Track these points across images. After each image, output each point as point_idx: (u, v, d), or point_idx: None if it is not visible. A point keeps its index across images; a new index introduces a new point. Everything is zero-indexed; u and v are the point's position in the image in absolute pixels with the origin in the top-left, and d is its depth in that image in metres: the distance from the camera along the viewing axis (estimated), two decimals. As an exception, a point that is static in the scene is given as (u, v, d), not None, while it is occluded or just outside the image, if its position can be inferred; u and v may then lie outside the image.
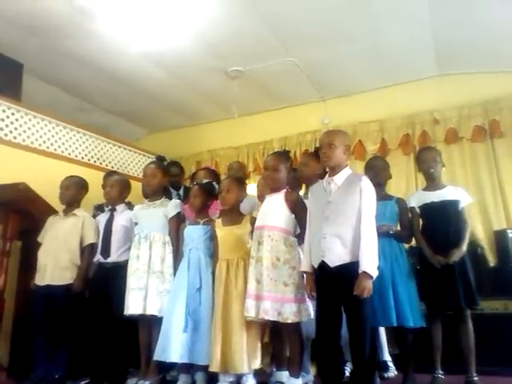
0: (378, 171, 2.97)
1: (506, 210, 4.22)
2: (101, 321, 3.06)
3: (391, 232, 2.81)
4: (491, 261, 4.12)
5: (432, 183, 2.98)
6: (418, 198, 2.97)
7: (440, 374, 2.76)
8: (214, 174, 3.78)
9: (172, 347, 2.73)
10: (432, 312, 2.83)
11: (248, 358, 2.57)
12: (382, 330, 3.13)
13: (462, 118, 4.54)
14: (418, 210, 2.93)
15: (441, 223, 2.82)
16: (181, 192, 4.20)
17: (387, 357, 3.15)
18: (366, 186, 2.36)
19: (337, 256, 2.28)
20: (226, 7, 3.56)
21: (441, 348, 2.79)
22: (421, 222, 2.96)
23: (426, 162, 2.97)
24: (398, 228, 2.94)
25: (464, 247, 2.75)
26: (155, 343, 2.84)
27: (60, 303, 3.15)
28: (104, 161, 5.00)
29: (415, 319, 2.68)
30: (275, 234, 2.61)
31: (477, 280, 3.71)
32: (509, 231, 3.90)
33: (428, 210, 2.89)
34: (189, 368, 2.86)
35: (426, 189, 3.01)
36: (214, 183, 3.18)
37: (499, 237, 4.05)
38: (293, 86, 4.97)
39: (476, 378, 2.66)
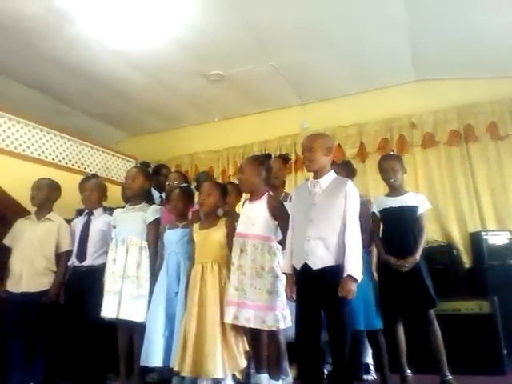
0: None
1: (480, 212, 4.32)
2: (77, 326, 3.01)
3: None
4: (466, 262, 4.21)
5: (393, 189, 3.03)
6: (379, 204, 3.03)
7: (408, 373, 2.81)
8: (184, 177, 3.71)
9: (154, 352, 2.72)
10: (389, 315, 2.87)
11: (224, 362, 2.52)
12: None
13: (438, 123, 4.63)
14: (378, 215, 3.00)
15: (398, 228, 2.88)
16: (163, 195, 4.14)
17: (370, 359, 3.19)
18: (351, 190, 2.35)
19: (320, 259, 2.27)
20: (204, 9, 3.54)
21: (405, 349, 2.83)
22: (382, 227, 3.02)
23: (385, 172, 3.02)
24: None
25: (418, 255, 2.80)
26: (137, 348, 2.82)
27: (36, 310, 3.08)
28: (82, 164, 4.93)
29: (368, 322, 2.74)
30: (259, 244, 2.59)
31: (453, 281, 3.84)
32: (483, 233, 3.98)
33: (387, 214, 2.96)
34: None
35: (387, 194, 3.08)
36: (191, 187, 3.17)
37: (474, 239, 4.13)
38: (272, 90, 5.00)
39: (450, 377, 2.71)
